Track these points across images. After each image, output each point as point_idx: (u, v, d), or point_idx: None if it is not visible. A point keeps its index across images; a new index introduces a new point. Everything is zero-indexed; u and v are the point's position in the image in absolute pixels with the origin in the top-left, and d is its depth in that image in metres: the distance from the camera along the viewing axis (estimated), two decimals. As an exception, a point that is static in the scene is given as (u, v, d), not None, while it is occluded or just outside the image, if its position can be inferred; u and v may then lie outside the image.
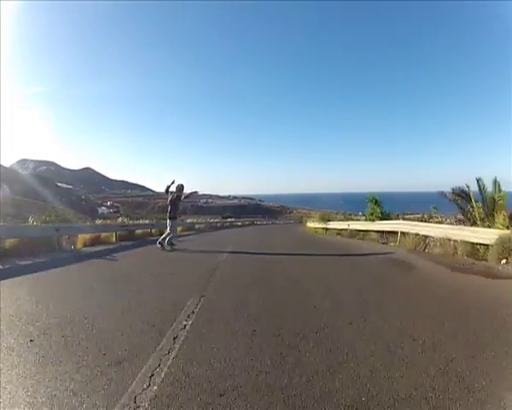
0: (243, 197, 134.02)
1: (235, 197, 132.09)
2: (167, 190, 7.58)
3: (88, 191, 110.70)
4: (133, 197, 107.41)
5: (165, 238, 7.65)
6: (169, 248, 7.63)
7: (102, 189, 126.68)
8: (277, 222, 44.99)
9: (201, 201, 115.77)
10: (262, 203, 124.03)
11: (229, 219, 35.20)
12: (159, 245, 7.60)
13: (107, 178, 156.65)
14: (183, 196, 7.98)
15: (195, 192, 8.22)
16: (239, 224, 31.12)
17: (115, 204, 75.84)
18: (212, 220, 28.77)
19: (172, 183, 7.57)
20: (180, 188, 7.70)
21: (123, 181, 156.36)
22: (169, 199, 7.67)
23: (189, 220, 23.41)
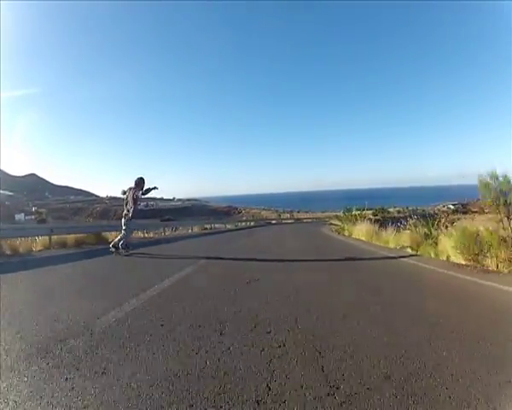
0: (188, 199, 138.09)
1: (179, 199, 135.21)
2: (125, 192, 6.78)
3: (30, 198, 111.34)
4: (72, 203, 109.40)
5: (119, 241, 6.63)
6: (124, 252, 6.58)
7: (46, 195, 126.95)
8: (229, 227, 25.07)
9: (141, 204, 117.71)
10: (208, 204, 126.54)
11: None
12: (113, 249, 6.54)
13: (52, 184, 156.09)
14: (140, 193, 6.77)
15: (155, 188, 7.07)
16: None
17: (39, 210, 78.27)
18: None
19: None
20: (139, 182, 6.63)
21: (67, 187, 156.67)
22: (127, 196, 6.66)
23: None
